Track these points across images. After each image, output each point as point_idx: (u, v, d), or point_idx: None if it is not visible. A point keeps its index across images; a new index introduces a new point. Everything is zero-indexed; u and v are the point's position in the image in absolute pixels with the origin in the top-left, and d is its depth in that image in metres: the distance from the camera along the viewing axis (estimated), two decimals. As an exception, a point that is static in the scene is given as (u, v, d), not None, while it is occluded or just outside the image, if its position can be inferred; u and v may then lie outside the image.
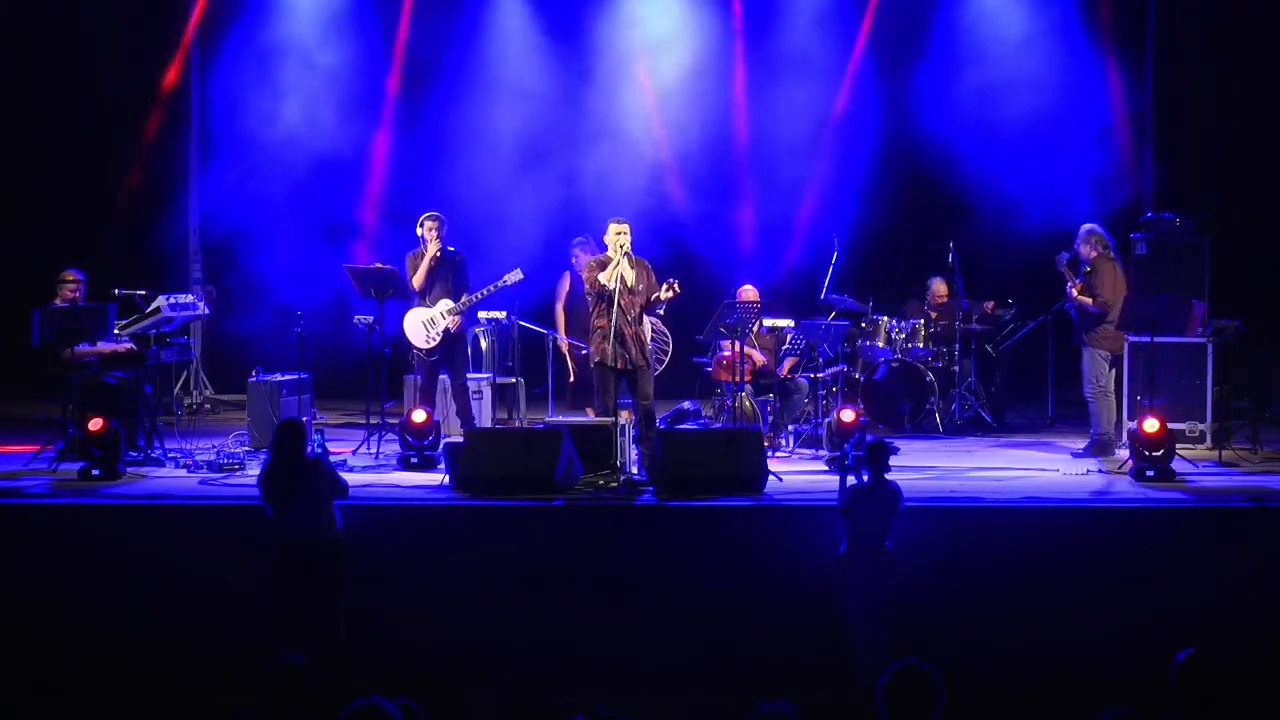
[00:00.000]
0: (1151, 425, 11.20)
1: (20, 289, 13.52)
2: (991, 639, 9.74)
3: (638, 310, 11.49)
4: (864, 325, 14.37)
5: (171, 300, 12.79)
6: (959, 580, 9.89)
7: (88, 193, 16.33)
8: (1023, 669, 9.63)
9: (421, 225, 12.62)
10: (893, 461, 9.63)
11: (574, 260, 13.65)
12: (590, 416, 11.77)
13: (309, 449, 9.58)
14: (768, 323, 13.77)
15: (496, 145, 15.34)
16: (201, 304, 13.67)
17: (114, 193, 16.36)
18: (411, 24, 16.38)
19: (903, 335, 14.29)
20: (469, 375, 13.22)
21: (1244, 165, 15.81)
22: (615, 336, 11.23)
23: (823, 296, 14.39)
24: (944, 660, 6.02)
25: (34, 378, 12.65)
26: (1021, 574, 9.94)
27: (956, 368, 14.42)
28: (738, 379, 12.71)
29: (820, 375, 13.31)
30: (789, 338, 13.72)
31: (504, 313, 13.44)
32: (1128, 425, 12.40)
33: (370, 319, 12.67)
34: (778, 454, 12.57)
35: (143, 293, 13.01)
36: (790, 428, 13.28)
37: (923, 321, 14.46)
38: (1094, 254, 12.77)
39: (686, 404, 13.52)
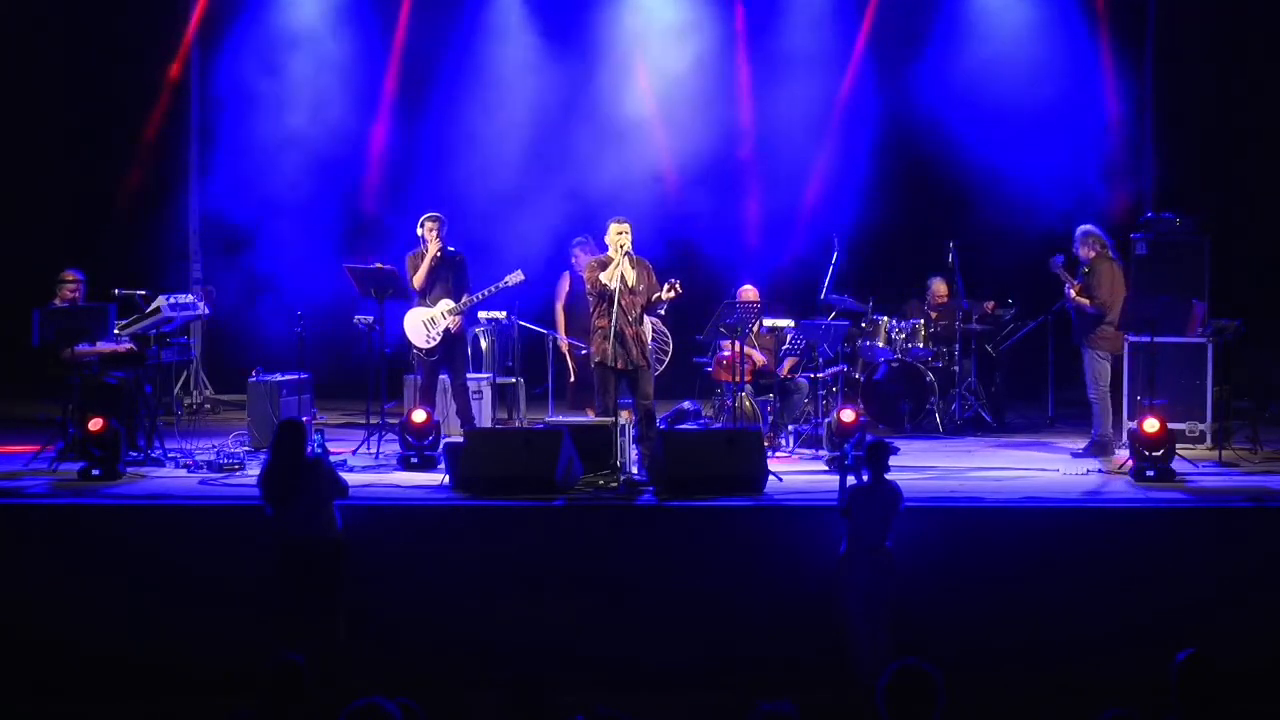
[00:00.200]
0: (1151, 425, 11.20)
1: (20, 289, 13.52)
2: (991, 639, 9.74)
3: (638, 310, 11.48)
4: (864, 325, 14.37)
5: (171, 300, 12.80)
6: (959, 580, 9.89)
7: (88, 193, 16.32)
8: (1023, 669, 9.63)
9: (422, 225, 12.62)
10: (893, 461, 9.63)
11: (574, 260, 13.65)
12: (590, 416, 11.76)
13: (309, 449, 9.58)
14: (768, 323, 13.76)
15: (497, 145, 15.34)
16: (201, 304, 13.67)
17: (114, 193, 16.36)
18: (412, 22, 16.39)
19: (903, 335, 14.29)
20: (469, 375, 13.22)
21: (1244, 165, 15.81)
22: (615, 336, 11.23)
23: (823, 296, 14.39)
24: (944, 660, 6.02)
25: (34, 378, 12.65)
26: (1021, 574, 9.94)
27: (956, 368, 14.42)
28: (738, 379, 12.71)
29: (820, 375, 13.31)
30: (789, 338, 13.72)
31: (504, 313, 13.43)
32: (1128, 425, 12.39)
33: (370, 319, 12.67)
34: (778, 454, 12.57)
35: (143, 293, 13.02)
36: (790, 428, 13.28)
37: (923, 321, 14.46)
38: (1092, 254, 12.77)
39: (686, 404, 13.52)
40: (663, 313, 12.43)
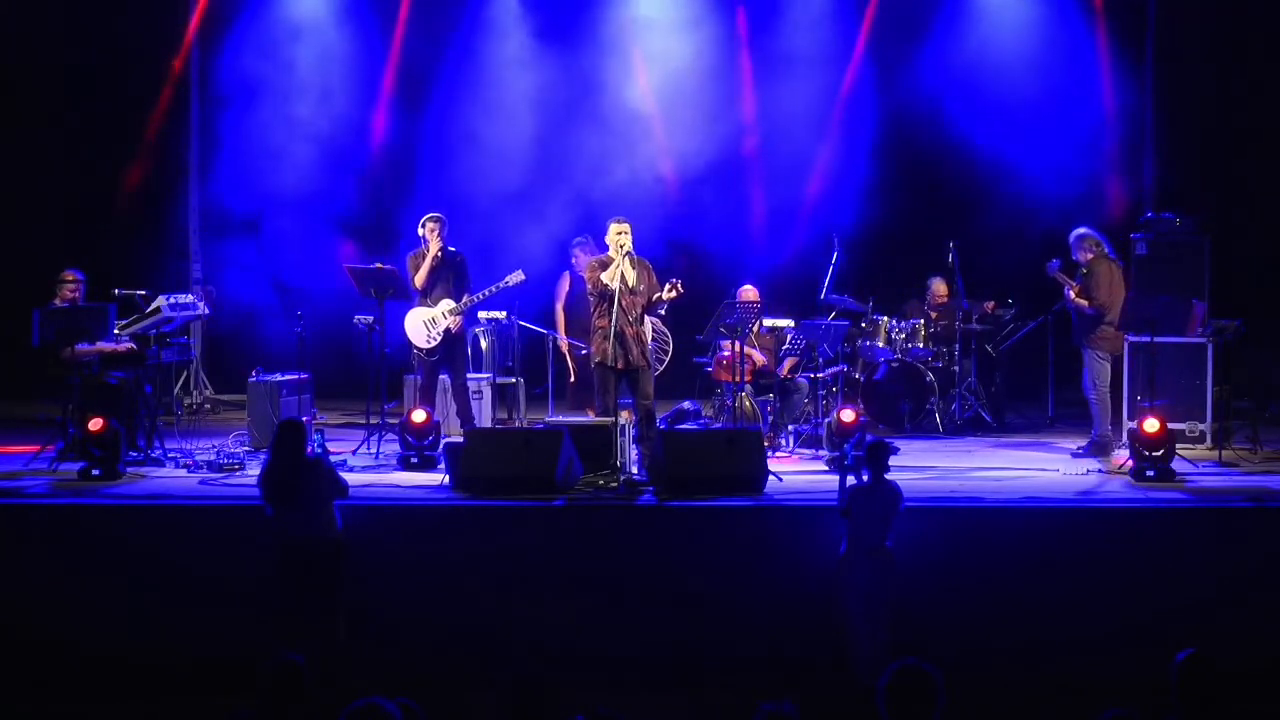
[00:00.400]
0: (1151, 425, 11.20)
1: (20, 289, 13.52)
2: (991, 639, 9.74)
3: (639, 310, 11.48)
4: (864, 325, 14.37)
5: (171, 300, 12.80)
6: (959, 580, 9.89)
7: (88, 193, 16.32)
8: (1023, 669, 9.63)
9: (423, 226, 12.62)
10: (893, 461, 9.64)
11: (574, 260, 13.65)
12: (590, 416, 11.76)
13: (309, 449, 9.58)
14: (768, 323, 13.77)
15: (497, 145, 15.32)
16: (201, 304, 13.67)
17: (114, 193, 16.36)
18: (411, 22, 16.39)
19: (903, 335, 14.29)
20: (469, 375, 13.22)
21: (1244, 165, 15.81)
22: (616, 336, 11.23)
23: (823, 296, 14.39)
24: (944, 660, 6.02)
25: (34, 378, 12.65)
26: (1021, 574, 9.94)
27: (956, 368, 14.42)
28: (738, 379, 12.71)
29: (820, 375, 13.31)
30: (789, 338, 13.72)
31: (504, 313, 13.44)
32: (1127, 425, 12.39)
33: (370, 319, 12.67)
34: (778, 454, 12.57)
35: (143, 293, 13.03)
36: (790, 428, 13.28)
37: (923, 321, 14.46)
38: (1089, 256, 12.77)
39: (686, 404, 13.52)
40: (663, 313, 12.43)
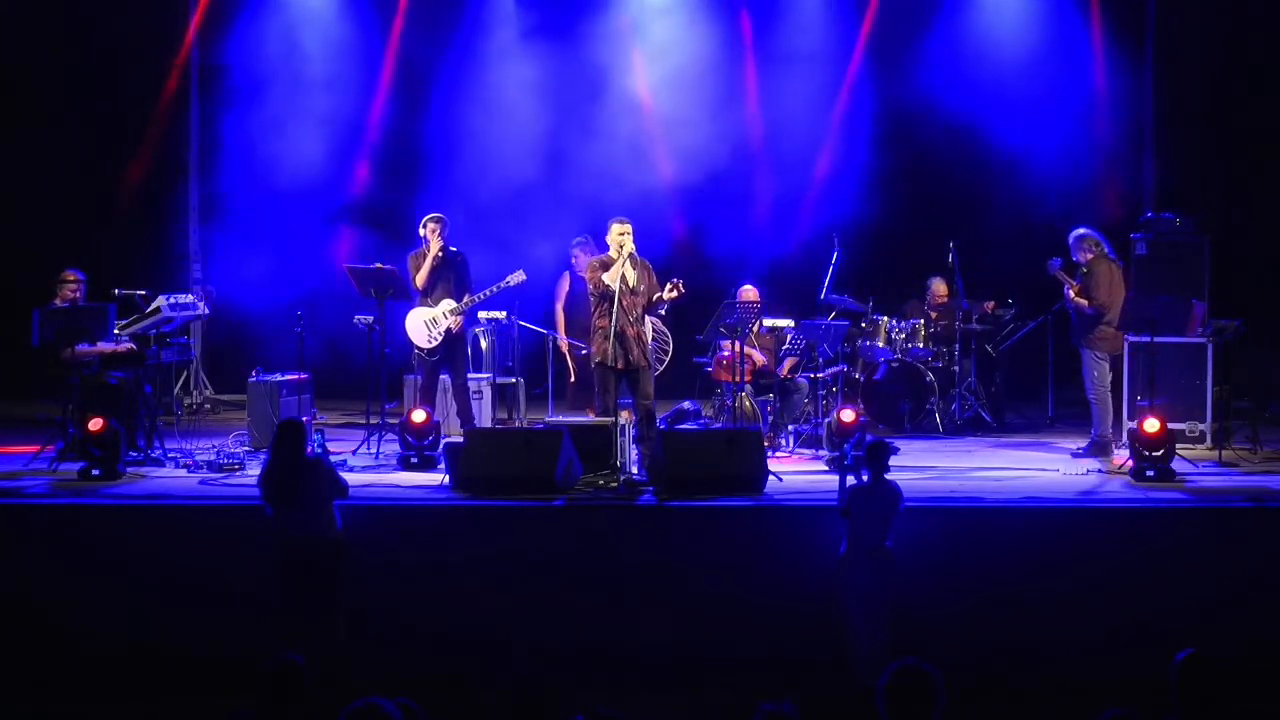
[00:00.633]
0: (1151, 425, 11.20)
1: (20, 289, 13.52)
2: (992, 639, 9.74)
3: (639, 310, 11.49)
4: (864, 325, 14.37)
5: (171, 300, 12.81)
6: (959, 580, 9.89)
7: (88, 193, 16.32)
8: (1023, 669, 9.63)
9: (424, 226, 12.63)
10: (893, 461, 9.63)
11: (574, 260, 13.65)
12: (590, 416, 11.76)
13: (309, 449, 9.57)
14: (768, 323, 13.77)
15: (497, 146, 15.33)
16: (201, 304, 13.67)
17: (114, 193, 16.36)
18: (411, 20, 16.39)
19: (903, 335, 14.29)
20: (469, 375, 13.22)
21: (1244, 165, 15.81)
22: (616, 336, 11.23)
23: (823, 296, 14.39)
24: (944, 660, 6.02)
25: (34, 378, 12.65)
26: (1021, 574, 9.94)
27: (956, 368, 14.42)
28: (738, 379, 12.71)
29: (820, 375, 13.31)
30: (789, 338, 13.72)
31: (504, 313, 13.45)
32: (1128, 425, 12.39)
33: (370, 319, 12.67)
34: (778, 454, 12.57)
35: (143, 293, 13.04)
36: (790, 428, 13.28)
37: (923, 321, 14.46)
38: (1089, 256, 12.77)
39: (686, 404, 13.52)
40: (663, 313, 12.43)
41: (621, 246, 11.35)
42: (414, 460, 11.74)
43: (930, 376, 14.11)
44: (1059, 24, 15.88)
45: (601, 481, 10.92)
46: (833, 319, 14.00)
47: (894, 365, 14.14)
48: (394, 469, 11.76)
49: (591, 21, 15.88)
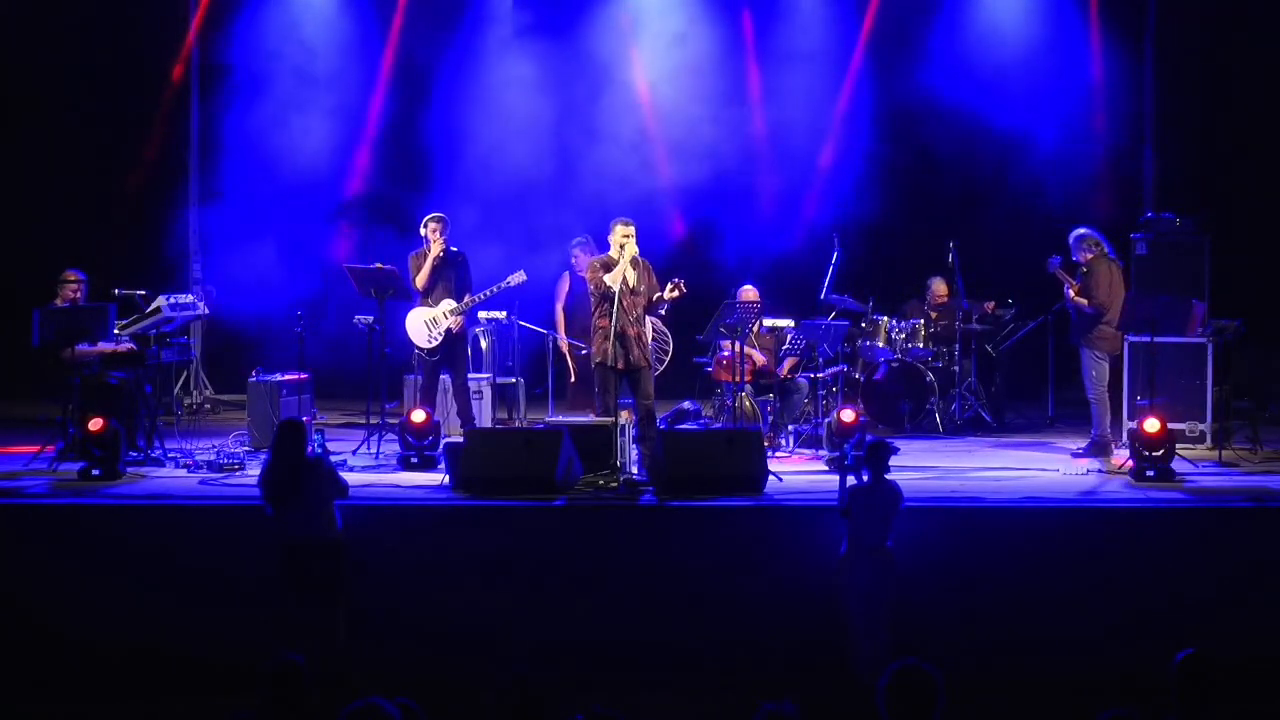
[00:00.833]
0: (1152, 425, 11.20)
1: (20, 289, 13.52)
2: (992, 639, 9.74)
3: (640, 310, 11.49)
4: (864, 325, 14.37)
5: (171, 300, 12.81)
6: (959, 580, 9.89)
7: (88, 193, 16.32)
8: (1023, 669, 9.63)
9: (425, 226, 12.64)
10: (893, 461, 9.64)
11: (574, 260, 13.65)
12: (590, 416, 11.76)
13: (309, 449, 9.57)
14: (768, 323, 13.77)
15: (497, 146, 15.31)
16: (201, 304, 13.67)
17: (114, 192, 16.36)
18: (409, 20, 16.39)
19: (903, 335, 14.30)
20: (469, 375, 13.22)
21: (1244, 165, 15.81)
22: (617, 336, 11.22)
23: (823, 296, 14.39)
24: (944, 660, 6.02)
25: (34, 378, 12.65)
26: (1021, 574, 9.94)
27: (956, 368, 14.42)
28: (738, 379, 12.71)
29: (820, 375, 13.31)
30: (789, 338, 13.72)
31: (504, 313, 13.45)
32: (1128, 425, 12.39)
33: (370, 319, 12.68)
34: (778, 454, 12.57)
35: (143, 293, 13.04)
36: (790, 428, 13.28)
37: (923, 321, 14.46)
38: (1089, 256, 12.77)
39: (686, 404, 13.52)
40: (663, 312, 12.43)
41: (624, 247, 11.34)
42: (414, 460, 11.74)
43: (930, 376, 14.11)
44: (1059, 25, 15.88)
45: (601, 481, 10.92)
46: (833, 319, 14.00)
47: (894, 365, 14.14)
48: (394, 469, 11.76)
49: (591, 21, 15.87)
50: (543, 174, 15.13)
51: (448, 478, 10.92)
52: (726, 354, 13.20)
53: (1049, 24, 15.86)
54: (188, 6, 16.53)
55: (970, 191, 15.88)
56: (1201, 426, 13.16)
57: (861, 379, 14.19)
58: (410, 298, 12.63)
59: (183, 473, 11.65)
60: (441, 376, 12.96)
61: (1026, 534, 10.14)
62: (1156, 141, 16.28)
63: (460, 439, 11.36)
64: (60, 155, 16.21)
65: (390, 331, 12.59)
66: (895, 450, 10.02)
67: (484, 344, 14.02)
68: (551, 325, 13.94)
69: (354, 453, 12.25)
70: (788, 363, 13.84)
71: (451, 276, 12.66)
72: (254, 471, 10.44)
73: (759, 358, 13.61)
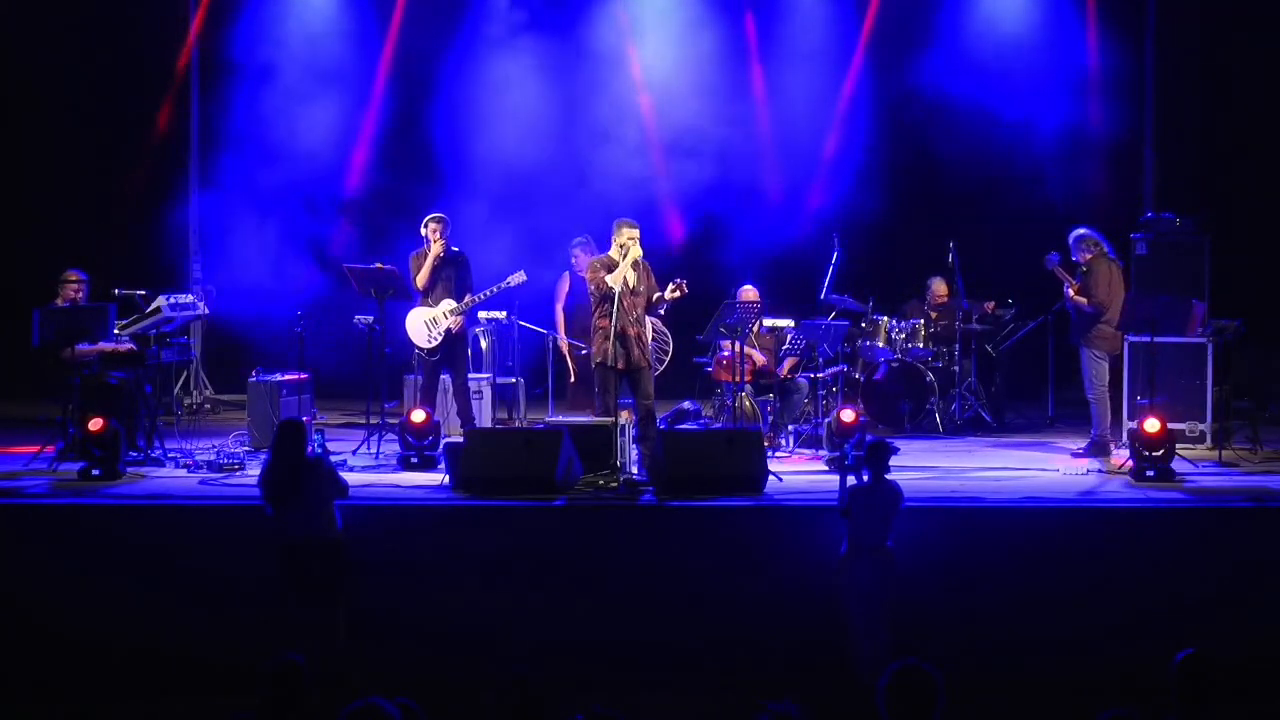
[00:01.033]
0: (1152, 425, 11.20)
1: (20, 289, 13.51)
2: (992, 639, 9.74)
3: (640, 311, 11.49)
4: (864, 325, 14.37)
5: (171, 300, 12.81)
6: (959, 580, 9.89)
7: (88, 193, 16.32)
8: (1023, 669, 9.63)
9: (425, 226, 12.64)
10: (893, 461, 9.63)
11: (574, 260, 13.64)
12: (590, 416, 11.76)
13: (309, 449, 9.58)
14: (768, 323, 13.77)
15: (497, 145, 15.31)
16: (201, 304, 13.67)
17: (115, 192, 16.36)
18: (409, 24, 16.38)
19: (903, 335, 14.30)
20: (469, 375, 13.22)
21: (1244, 165, 15.81)
22: (617, 337, 11.22)
23: (823, 296, 14.39)
24: (944, 660, 6.02)
25: (34, 378, 12.65)
26: (1022, 574, 9.94)
27: (956, 368, 14.42)
28: (738, 379, 12.71)
29: (820, 375, 13.31)
30: (789, 338, 13.72)
31: (504, 313, 13.45)
32: (1128, 425, 12.40)
33: (370, 319, 12.68)
34: (778, 454, 12.57)
35: (143, 293, 13.04)
36: (790, 428, 13.28)
37: (923, 321, 14.46)
38: (1088, 256, 12.77)
39: (686, 404, 13.52)
40: (663, 312, 12.43)
41: (626, 249, 11.31)
42: (414, 460, 11.74)
43: (930, 376, 14.11)
44: (1058, 25, 15.87)
45: (601, 481, 10.92)
46: (833, 319, 14.00)
47: (894, 365, 14.14)
48: (394, 469, 11.76)
49: (591, 20, 15.87)
50: (542, 174, 15.12)
51: (448, 478, 10.92)
52: (726, 354, 13.20)
53: (1048, 24, 15.86)
54: (188, 6, 16.52)
55: (970, 191, 15.88)
56: (1201, 426, 13.16)
57: (861, 379, 14.19)
58: (410, 298, 12.64)
59: (183, 473, 11.65)
60: (441, 376, 12.96)
61: (1026, 534, 10.14)
62: (1156, 141, 16.28)
63: (460, 439, 11.36)
64: (60, 155, 16.21)
65: (390, 331, 12.59)
66: (895, 450, 10.02)
67: (484, 344, 14.02)
68: (552, 325, 13.94)
69: (354, 453, 12.25)
70: (788, 363, 13.83)
71: (452, 276, 12.66)
72: (254, 471, 10.43)
73: (759, 358, 13.61)
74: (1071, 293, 12.74)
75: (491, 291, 12.71)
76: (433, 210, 12.88)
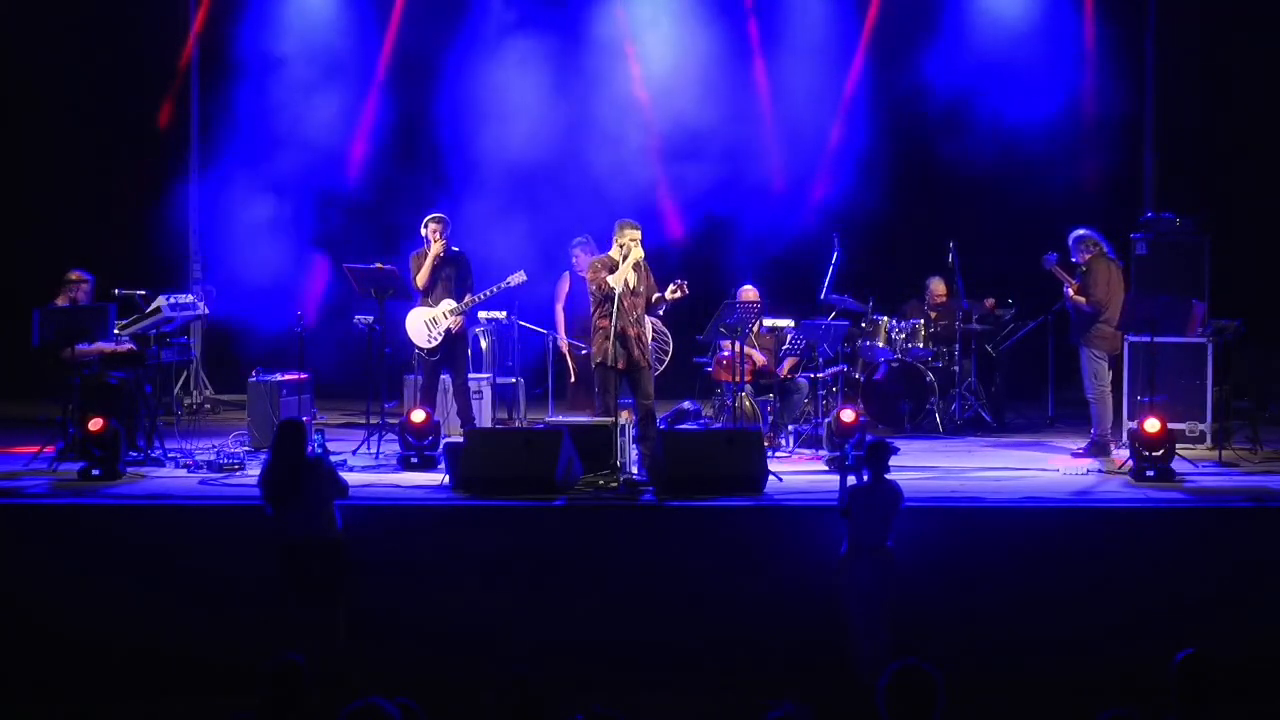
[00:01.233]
0: (1152, 425, 11.20)
1: (21, 289, 13.51)
2: (992, 639, 9.74)
3: (640, 311, 11.49)
4: (864, 325, 14.37)
5: (171, 300, 12.81)
6: (959, 580, 9.89)
7: (88, 193, 16.32)
8: (1023, 669, 9.63)
9: (426, 226, 12.64)
10: (893, 461, 9.63)
11: (574, 260, 13.64)
12: (590, 416, 11.76)
13: (309, 449, 9.58)
14: (768, 323, 13.77)
15: (497, 145, 15.30)
16: (201, 304, 13.67)
17: (114, 192, 16.36)
18: (409, 24, 16.38)
19: (903, 335, 14.30)
20: (469, 375, 13.22)
21: (1244, 165, 15.81)
22: (617, 337, 11.22)
23: (823, 296, 14.39)
24: (944, 660, 6.02)
25: (34, 378, 12.65)
26: (1021, 574, 9.94)
27: (956, 368, 14.43)
28: (738, 379, 12.71)
29: (820, 375, 13.31)
30: (789, 338, 13.72)
31: (504, 313, 13.45)
32: (1128, 425, 12.40)
33: (370, 319, 12.68)
34: (778, 454, 12.57)
35: (143, 293, 13.04)
36: (790, 428, 13.28)
37: (923, 321, 14.46)
38: (1088, 256, 12.77)
39: (686, 404, 13.52)
40: (662, 313, 12.43)
41: (628, 250, 11.30)
42: (414, 460, 11.74)
43: (930, 376, 14.12)
44: (1058, 25, 15.87)
45: (601, 481, 10.92)
46: (833, 319, 13.99)
47: (894, 365, 14.14)
48: (394, 469, 11.76)
49: (592, 20, 15.86)
50: (542, 173, 15.11)
51: (448, 478, 10.93)
52: (726, 354, 13.20)
53: (1048, 24, 15.85)
54: (188, 6, 16.52)
55: (970, 191, 15.88)
56: (1201, 426, 13.16)
57: (861, 379, 14.19)
58: (410, 297, 12.64)
59: (183, 473, 11.65)
60: (441, 376, 12.96)
61: (1026, 534, 10.14)
62: (1156, 141, 16.28)
63: (460, 439, 11.36)
64: (60, 155, 16.20)
65: (390, 331, 12.59)
66: (895, 450, 10.03)
67: (484, 344, 14.02)
68: (552, 325, 13.94)
69: (354, 453, 12.26)
70: (788, 363, 13.83)
71: (452, 276, 12.67)
72: (254, 471, 10.43)
73: (759, 358, 13.61)
74: (1071, 292, 12.75)
75: (491, 291, 12.71)
76: (433, 210, 12.88)
